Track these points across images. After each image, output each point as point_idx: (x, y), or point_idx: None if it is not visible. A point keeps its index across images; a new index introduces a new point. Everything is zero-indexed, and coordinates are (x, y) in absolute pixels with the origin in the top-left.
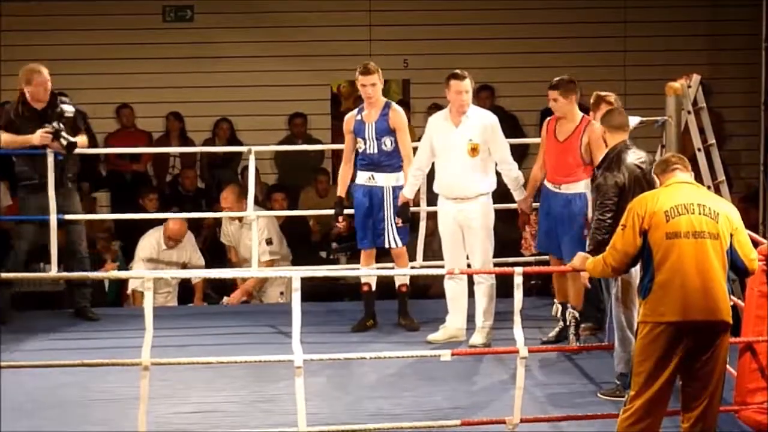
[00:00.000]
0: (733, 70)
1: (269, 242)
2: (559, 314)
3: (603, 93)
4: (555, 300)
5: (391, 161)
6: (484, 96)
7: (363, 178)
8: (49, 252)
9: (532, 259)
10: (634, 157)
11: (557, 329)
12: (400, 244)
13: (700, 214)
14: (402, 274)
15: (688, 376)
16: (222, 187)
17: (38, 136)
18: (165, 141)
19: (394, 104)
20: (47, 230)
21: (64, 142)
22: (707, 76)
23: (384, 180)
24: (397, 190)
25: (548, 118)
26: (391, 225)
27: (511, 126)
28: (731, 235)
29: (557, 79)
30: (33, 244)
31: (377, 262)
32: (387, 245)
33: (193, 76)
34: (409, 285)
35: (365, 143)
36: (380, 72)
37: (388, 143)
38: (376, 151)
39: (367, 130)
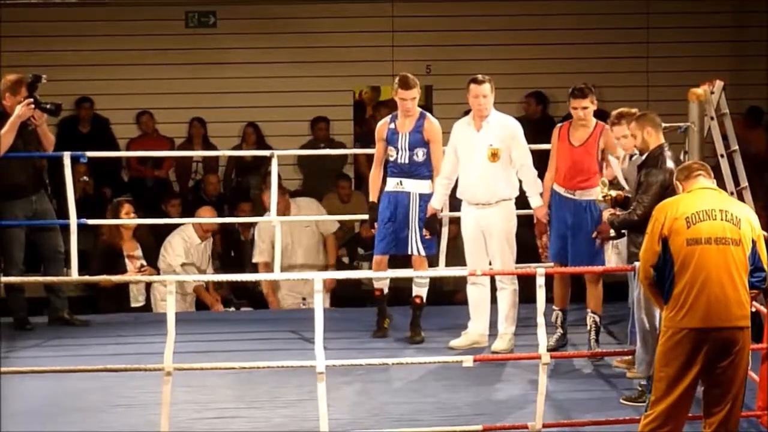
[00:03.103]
0: (756, 76)
1: None
2: (558, 322)
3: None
4: (554, 307)
5: (421, 170)
6: (535, 103)
7: (391, 184)
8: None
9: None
10: (674, 159)
11: (556, 336)
12: (423, 252)
13: (722, 220)
14: (422, 276)
15: (710, 381)
16: (249, 192)
17: (21, 109)
18: (187, 147)
19: (429, 115)
20: (37, 235)
21: (50, 107)
22: (730, 82)
23: (412, 186)
24: (424, 197)
25: (560, 124)
26: (416, 232)
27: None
28: (753, 241)
29: (582, 86)
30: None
31: (394, 268)
32: (409, 252)
33: (215, 81)
34: (423, 299)
35: (397, 153)
36: (419, 85)
37: (420, 154)
38: (407, 161)
39: (400, 140)
